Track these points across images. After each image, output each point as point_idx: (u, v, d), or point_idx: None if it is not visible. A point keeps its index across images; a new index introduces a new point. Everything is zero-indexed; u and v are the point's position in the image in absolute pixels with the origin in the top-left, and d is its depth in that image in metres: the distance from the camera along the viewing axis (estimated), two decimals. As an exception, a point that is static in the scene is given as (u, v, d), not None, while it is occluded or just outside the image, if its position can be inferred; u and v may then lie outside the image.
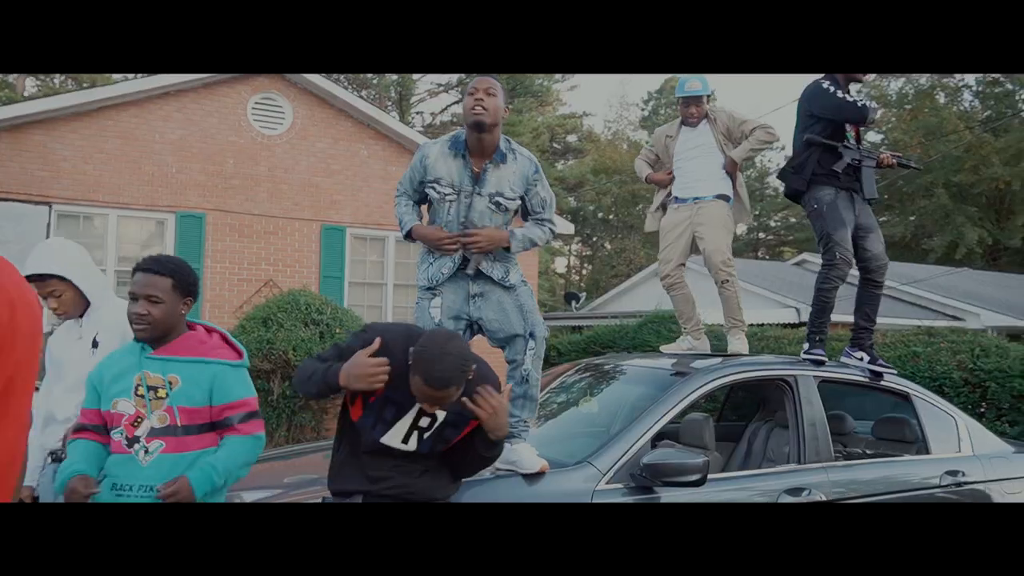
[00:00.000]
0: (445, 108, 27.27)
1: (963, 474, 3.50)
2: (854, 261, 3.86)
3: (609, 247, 36.45)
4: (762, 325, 9.55)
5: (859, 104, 3.84)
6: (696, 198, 4.27)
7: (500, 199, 2.84)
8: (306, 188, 9.56)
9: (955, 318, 15.46)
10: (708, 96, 4.39)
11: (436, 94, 26.37)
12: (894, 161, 3.93)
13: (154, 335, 2.27)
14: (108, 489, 2.22)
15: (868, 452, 3.87)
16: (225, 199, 9.10)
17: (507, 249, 2.88)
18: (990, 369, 7.30)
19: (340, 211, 9.77)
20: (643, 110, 40.35)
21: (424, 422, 2.29)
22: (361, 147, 9.90)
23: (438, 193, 2.87)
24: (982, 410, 6.62)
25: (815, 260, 19.96)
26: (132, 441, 2.22)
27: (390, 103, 25.07)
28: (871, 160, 3.88)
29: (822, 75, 4.00)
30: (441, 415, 2.29)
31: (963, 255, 21.86)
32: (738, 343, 4.06)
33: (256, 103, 9.35)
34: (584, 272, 38.98)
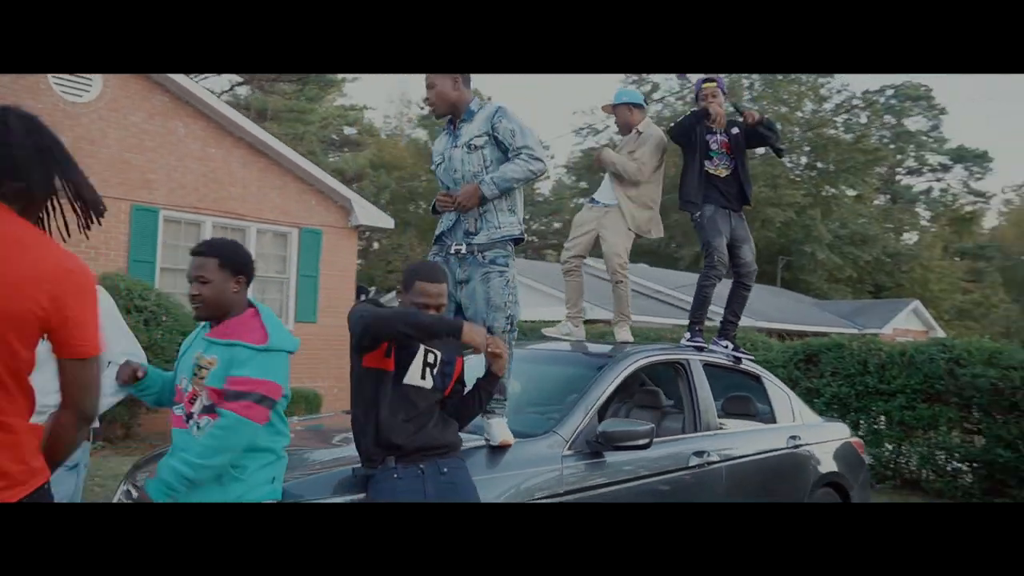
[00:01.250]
0: (224, 91, 25.68)
1: (799, 438, 4.40)
2: (728, 263, 4.66)
3: (384, 242, 36.52)
4: (547, 321, 10.49)
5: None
6: (606, 204, 4.77)
7: (471, 141, 3.23)
8: (116, 164, 8.81)
9: (708, 319, 17.81)
10: (631, 106, 4.80)
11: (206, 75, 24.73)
12: (757, 116, 4.76)
13: (208, 313, 2.37)
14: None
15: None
16: (19, 169, 8.12)
17: (486, 197, 3.16)
18: (758, 361, 8.76)
19: (153, 191, 9.12)
20: (422, 108, 40.99)
21: (431, 358, 2.69)
22: (179, 124, 9.32)
23: (434, 163, 3.36)
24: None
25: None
26: (188, 417, 2.34)
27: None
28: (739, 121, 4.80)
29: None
30: (439, 353, 2.71)
31: (706, 264, 25.14)
32: (624, 334, 4.67)
33: (59, 66, 8.44)
34: (358, 266, 38.72)
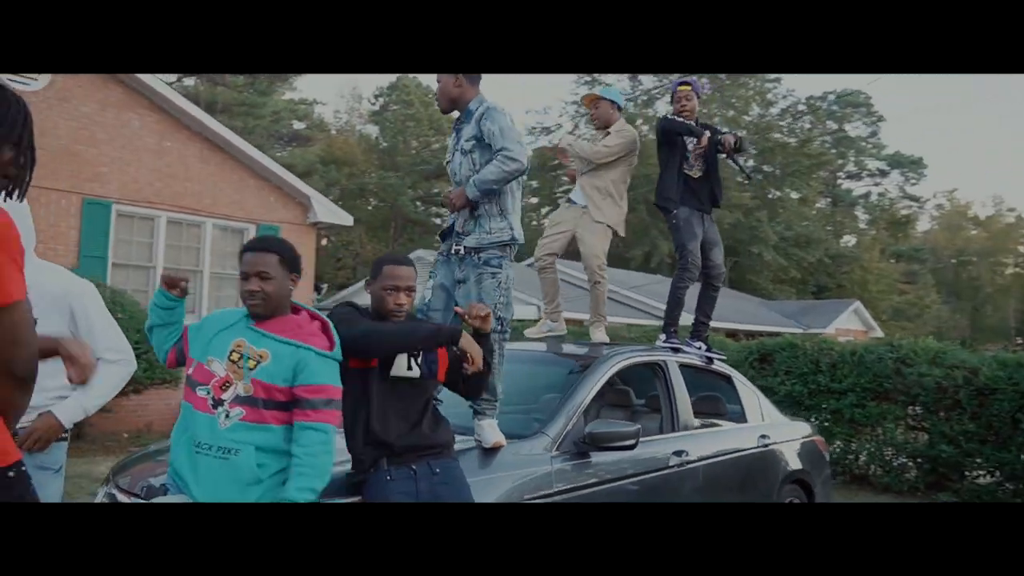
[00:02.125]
0: (170, 83, 25.01)
1: (769, 437, 4.54)
2: (700, 265, 4.75)
3: (334, 239, 36.09)
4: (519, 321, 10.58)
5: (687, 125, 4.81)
6: (584, 205, 4.80)
7: (464, 144, 3.28)
8: (66, 156, 8.52)
9: (660, 318, 18.12)
10: (615, 105, 4.82)
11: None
12: (732, 142, 4.73)
13: (267, 311, 2.37)
14: (189, 445, 2.30)
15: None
16: (-37, 160, 7.79)
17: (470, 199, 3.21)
18: (719, 360, 8.96)
19: (105, 185, 8.85)
20: (373, 104, 40.53)
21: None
22: (133, 116, 9.06)
23: (446, 161, 3.44)
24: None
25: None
26: (217, 403, 2.29)
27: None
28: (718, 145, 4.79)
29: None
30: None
31: (656, 264, 25.53)
32: (600, 334, 4.73)
33: (7, 52, 8.12)
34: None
